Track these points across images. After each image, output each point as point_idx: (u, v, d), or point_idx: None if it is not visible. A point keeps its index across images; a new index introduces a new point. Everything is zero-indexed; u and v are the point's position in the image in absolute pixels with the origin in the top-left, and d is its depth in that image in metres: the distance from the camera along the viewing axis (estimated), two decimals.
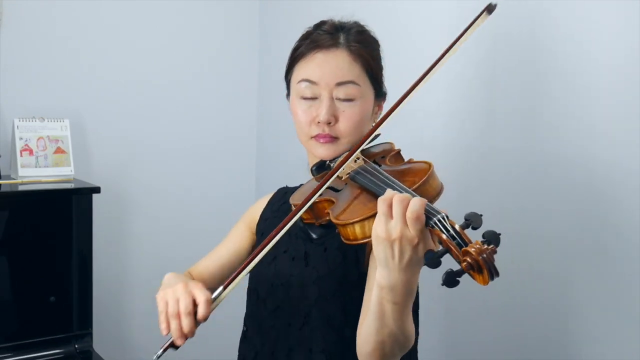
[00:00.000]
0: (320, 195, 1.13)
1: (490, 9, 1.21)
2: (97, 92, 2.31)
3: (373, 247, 0.98)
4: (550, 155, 1.52)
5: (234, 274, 1.07)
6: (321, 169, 1.32)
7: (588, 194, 1.45)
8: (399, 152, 1.29)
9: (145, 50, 2.40)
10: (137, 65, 2.39)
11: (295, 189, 1.47)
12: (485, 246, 0.88)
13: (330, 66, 1.28)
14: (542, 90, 1.54)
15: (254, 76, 2.63)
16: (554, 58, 1.51)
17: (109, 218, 2.34)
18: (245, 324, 1.40)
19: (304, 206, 1.10)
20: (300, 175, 1.57)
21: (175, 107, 2.48)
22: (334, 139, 1.29)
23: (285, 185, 1.52)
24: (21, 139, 2.06)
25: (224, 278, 1.45)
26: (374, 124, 1.35)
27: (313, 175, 1.34)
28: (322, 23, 1.35)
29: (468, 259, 0.88)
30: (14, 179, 2.05)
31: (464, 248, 0.89)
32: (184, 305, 1.04)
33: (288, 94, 1.39)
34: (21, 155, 2.05)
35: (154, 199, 2.46)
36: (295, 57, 1.33)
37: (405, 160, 1.25)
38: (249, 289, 1.37)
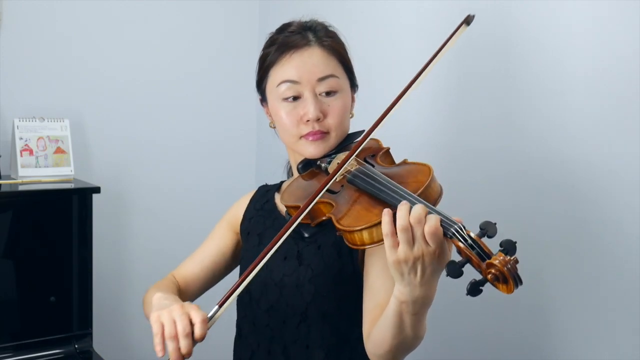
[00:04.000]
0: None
1: (468, 20, 1.23)
2: (97, 92, 2.31)
3: (392, 271, 0.99)
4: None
5: (229, 292, 1.06)
6: (308, 166, 1.33)
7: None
8: (388, 150, 1.29)
9: (145, 50, 2.40)
10: (137, 65, 2.39)
11: (275, 186, 1.49)
12: (508, 257, 0.90)
13: (308, 64, 1.29)
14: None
15: (254, 76, 2.62)
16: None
17: (109, 218, 2.34)
18: (238, 325, 1.41)
19: (302, 213, 1.09)
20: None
21: (175, 107, 2.48)
22: (324, 134, 1.30)
23: (265, 184, 1.53)
24: (21, 139, 2.06)
25: (207, 279, 1.48)
26: (351, 116, 1.38)
27: (299, 173, 1.34)
28: (287, 25, 1.37)
29: (493, 271, 0.89)
30: (14, 179, 2.05)
31: (488, 261, 0.90)
32: (182, 327, 1.03)
33: (263, 100, 1.40)
34: (21, 155, 2.05)
35: (154, 199, 2.46)
36: (268, 64, 1.34)
37: (398, 161, 1.25)
38: None
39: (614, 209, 1.37)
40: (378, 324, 1.09)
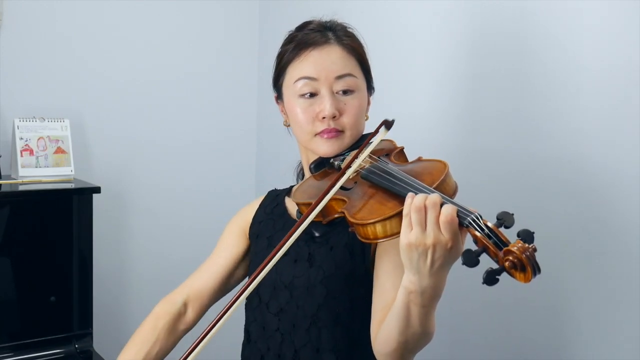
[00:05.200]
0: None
1: (387, 124, 1.18)
2: (97, 92, 2.31)
3: (403, 255, 0.98)
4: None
5: (192, 344, 1.04)
6: (320, 166, 1.31)
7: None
8: (402, 150, 1.28)
9: (145, 50, 2.40)
10: (137, 65, 2.39)
11: (285, 190, 1.47)
12: (527, 245, 0.89)
13: (327, 61, 1.28)
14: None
15: (254, 76, 2.63)
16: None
17: (109, 218, 2.34)
18: (246, 330, 1.39)
19: (314, 209, 1.08)
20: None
21: (175, 107, 2.48)
22: (339, 132, 1.28)
23: (274, 188, 1.51)
24: (21, 139, 2.06)
25: (221, 289, 1.45)
26: (366, 118, 1.36)
27: (312, 172, 1.32)
28: (307, 23, 1.36)
29: (510, 258, 0.88)
30: (14, 179, 2.05)
31: (506, 248, 0.89)
32: None
33: (278, 98, 1.39)
34: (21, 155, 2.05)
35: (154, 199, 2.46)
36: (287, 60, 1.33)
37: (411, 159, 1.23)
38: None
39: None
40: (386, 320, 1.08)
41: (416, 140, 1.78)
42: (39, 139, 2.08)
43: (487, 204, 1.61)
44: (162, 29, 2.44)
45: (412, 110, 1.83)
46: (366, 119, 1.35)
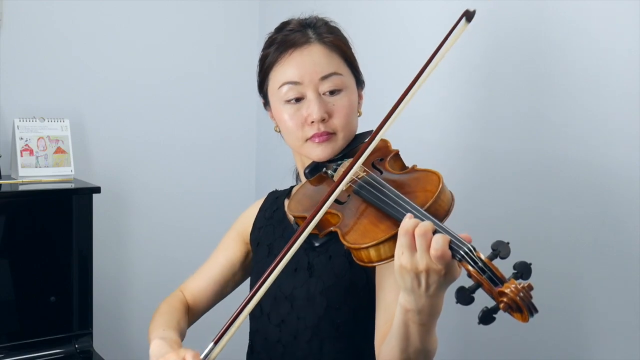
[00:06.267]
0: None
1: (468, 16, 1.10)
2: (97, 92, 2.31)
3: (397, 276, 0.95)
4: (551, 155, 1.51)
5: (224, 327, 1.02)
6: (315, 171, 1.28)
7: (591, 194, 1.43)
8: (397, 154, 1.23)
9: (145, 50, 2.40)
10: (137, 65, 2.39)
11: (285, 192, 1.44)
12: (521, 284, 0.85)
13: (309, 62, 1.24)
14: (544, 91, 1.53)
15: (254, 76, 2.62)
16: (556, 58, 1.49)
17: (109, 218, 2.34)
18: (250, 339, 1.38)
19: (304, 230, 1.04)
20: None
21: (175, 107, 2.48)
22: (330, 135, 1.24)
23: (275, 189, 1.48)
24: (21, 139, 2.06)
25: (216, 293, 1.43)
26: (358, 114, 1.32)
27: (307, 178, 1.29)
28: (286, 24, 1.31)
29: (505, 300, 0.85)
30: (14, 179, 2.05)
31: (499, 289, 0.86)
32: None
33: (266, 104, 1.35)
34: (21, 155, 2.05)
35: (154, 199, 2.46)
36: (268, 65, 1.29)
37: (408, 166, 1.19)
38: None
39: None
40: (387, 338, 1.05)
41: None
42: (39, 139, 2.08)
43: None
44: (162, 29, 2.43)
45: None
46: (359, 115, 1.31)
